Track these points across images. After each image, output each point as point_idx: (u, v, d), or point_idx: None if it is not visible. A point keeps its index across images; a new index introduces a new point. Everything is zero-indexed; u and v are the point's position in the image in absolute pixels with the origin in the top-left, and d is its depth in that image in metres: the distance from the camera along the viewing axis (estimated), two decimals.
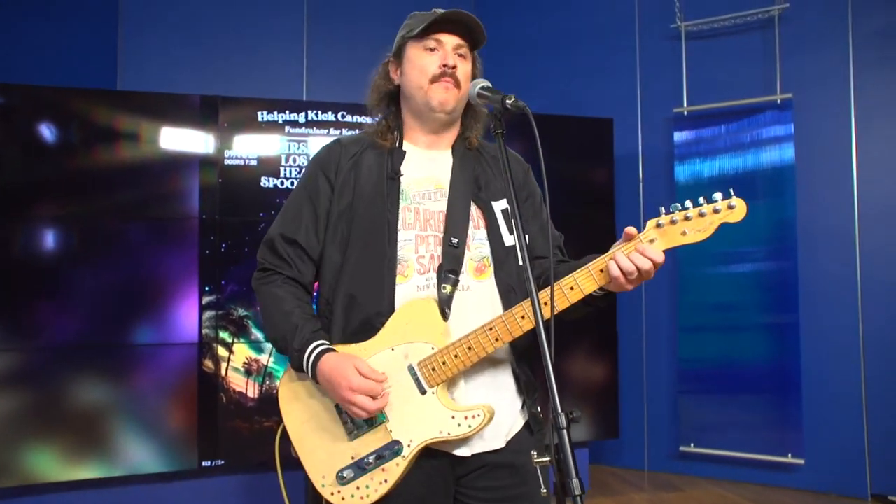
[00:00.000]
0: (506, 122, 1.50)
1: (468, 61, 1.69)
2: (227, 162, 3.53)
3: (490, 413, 1.53)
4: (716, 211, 1.43)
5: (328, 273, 1.68)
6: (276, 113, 3.61)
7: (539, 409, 1.70)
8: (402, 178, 1.68)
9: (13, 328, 3.29)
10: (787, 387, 3.98)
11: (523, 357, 1.68)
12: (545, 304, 1.45)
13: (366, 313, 1.60)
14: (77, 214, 3.38)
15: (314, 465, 1.61)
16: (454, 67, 1.65)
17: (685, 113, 4.30)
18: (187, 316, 3.47)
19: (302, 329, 1.59)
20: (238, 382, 3.52)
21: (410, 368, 1.56)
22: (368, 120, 3.66)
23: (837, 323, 3.92)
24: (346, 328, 1.63)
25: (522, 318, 1.50)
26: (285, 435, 1.68)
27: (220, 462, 3.47)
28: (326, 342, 1.59)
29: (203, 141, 3.52)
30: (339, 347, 1.60)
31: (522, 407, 1.68)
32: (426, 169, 1.71)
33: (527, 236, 1.61)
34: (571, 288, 1.50)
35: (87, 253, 3.40)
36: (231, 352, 3.52)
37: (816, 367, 3.94)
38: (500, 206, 1.70)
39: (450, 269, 1.60)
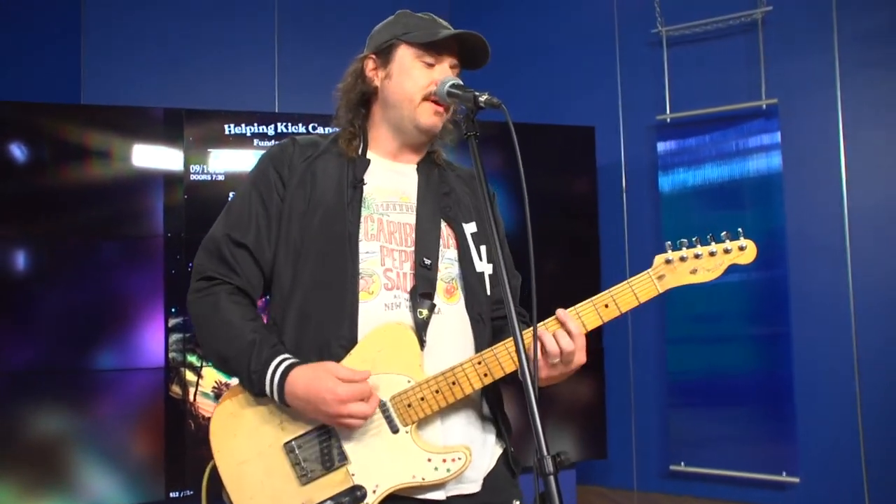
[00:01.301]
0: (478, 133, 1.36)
1: None
2: (192, 177, 3.38)
3: (470, 455, 1.38)
4: (726, 251, 1.43)
5: (277, 288, 1.49)
6: (243, 126, 3.47)
7: (512, 449, 1.55)
8: (364, 188, 1.50)
9: None
10: (779, 400, 3.86)
11: (493, 390, 1.53)
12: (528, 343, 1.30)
13: (323, 336, 1.41)
14: (35, 234, 3.24)
15: None
16: None
17: (668, 120, 4.20)
18: (153, 339, 3.31)
19: (259, 346, 1.39)
20: (207, 408, 3.35)
21: (382, 404, 1.38)
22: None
23: (830, 333, 3.81)
24: (297, 352, 1.41)
25: (515, 352, 1.33)
26: (216, 476, 1.44)
27: (188, 492, 3.30)
28: (290, 356, 1.39)
29: (167, 156, 3.37)
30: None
31: (496, 443, 1.53)
32: (391, 180, 1.56)
33: (502, 267, 1.42)
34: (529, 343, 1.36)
35: (45, 273, 3.25)
36: (200, 376, 3.35)
37: (810, 379, 3.83)
38: (469, 228, 1.56)
39: (424, 291, 1.44)
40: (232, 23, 4.41)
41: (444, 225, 1.54)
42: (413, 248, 1.48)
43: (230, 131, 3.45)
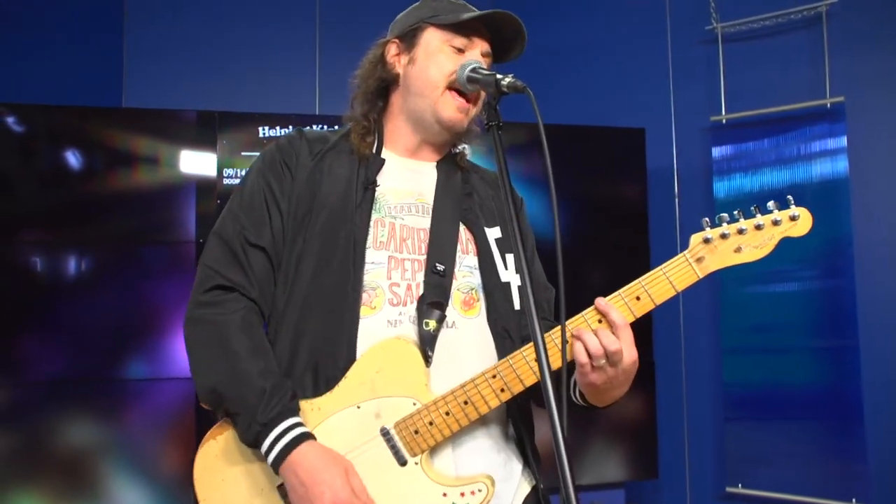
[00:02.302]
0: (505, 140, 1.19)
1: None
2: (226, 182, 3.29)
3: (492, 485, 1.21)
4: (775, 223, 1.22)
5: (274, 299, 1.32)
6: (278, 128, 3.38)
7: (542, 486, 1.35)
8: (377, 189, 1.34)
9: None
10: (847, 417, 3.59)
11: (520, 410, 1.35)
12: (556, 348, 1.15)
13: (317, 356, 1.26)
14: (65, 240, 3.18)
15: None
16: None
17: (724, 121, 3.97)
18: (184, 348, 3.22)
19: (271, 395, 1.20)
20: None
21: (385, 432, 1.23)
22: None
23: None
24: (290, 373, 1.27)
25: (536, 360, 1.15)
26: None
27: None
28: (302, 423, 1.22)
29: (200, 160, 3.29)
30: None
31: (523, 472, 1.35)
32: (407, 180, 1.40)
33: (518, 276, 1.30)
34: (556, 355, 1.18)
35: (75, 281, 3.20)
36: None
37: (881, 394, 3.55)
38: (493, 233, 1.39)
39: (433, 300, 1.28)
40: (273, 25, 4.35)
41: (463, 229, 1.38)
42: (426, 256, 1.32)
43: (264, 134, 3.36)
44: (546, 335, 1.13)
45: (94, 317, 3.17)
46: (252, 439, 1.22)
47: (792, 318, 3.78)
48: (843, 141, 3.65)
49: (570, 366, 1.21)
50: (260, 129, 3.36)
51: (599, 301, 1.22)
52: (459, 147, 1.49)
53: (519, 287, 1.36)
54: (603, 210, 3.80)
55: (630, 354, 1.19)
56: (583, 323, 1.22)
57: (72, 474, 3.09)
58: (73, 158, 3.20)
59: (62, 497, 3.07)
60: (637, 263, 3.82)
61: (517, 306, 1.37)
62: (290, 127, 3.38)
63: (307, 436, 1.21)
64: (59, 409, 3.10)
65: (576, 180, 3.72)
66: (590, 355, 1.17)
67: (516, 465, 1.35)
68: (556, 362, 1.17)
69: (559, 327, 1.12)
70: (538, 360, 0.99)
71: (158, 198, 3.25)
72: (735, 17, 3.98)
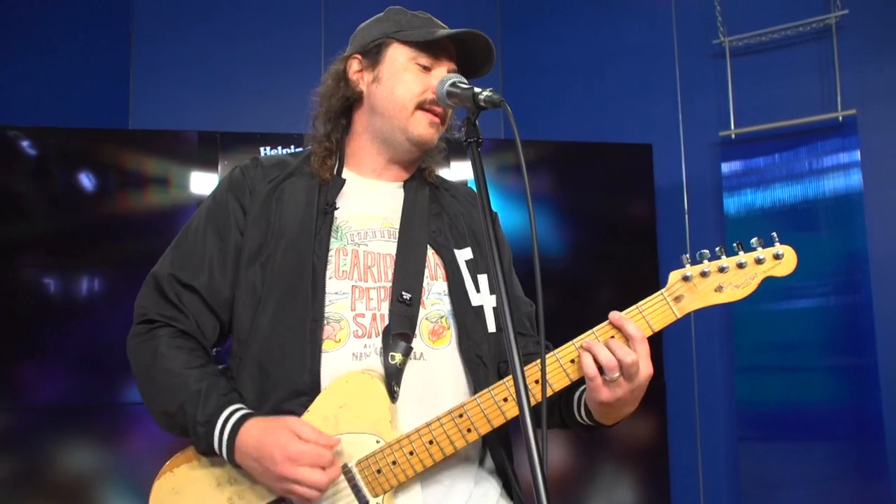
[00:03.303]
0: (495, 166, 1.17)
1: None
2: None
3: None
4: (758, 261, 1.15)
5: (234, 337, 1.28)
6: (279, 148, 3.35)
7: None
8: (337, 213, 1.29)
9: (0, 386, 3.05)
10: (866, 437, 3.50)
11: (499, 438, 1.28)
12: (535, 382, 1.10)
13: (280, 392, 1.21)
14: (67, 264, 3.16)
15: None
16: None
17: (733, 136, 3.91)
18: None
19: (207, 394, 1.20)
20: None
21: (346, 470, 1.17)
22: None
23: None
24: (255, 409, 1.23)
25: (505, 400, 1.12)
26: None
27: None
28: (244, 406, 1.21)
29: (202, 180, 3.27)
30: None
31: (505, 502, 1.28)
32: (371, 203, 1.35)
33: (493, 297, 1.25)
34: (536, 381, 1.14)
35: (75, 305, 3.17)
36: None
37: None
38: (463, 255, 1.33)
39: (399, 332, 1.22)
40: (277, 46, 4.35)
41: (431, 253, 1.32)
42: (391, 284, 1.26)
43: (265, 154, 3.34)
44: (528, 367, 1.10)
45: (98, 339, 3.15)
46: (204, 445, 1.20)
47: (807, 335, 3.70)
48: (857, 155, 3.59)
49: (576, 385, 1.17)
50: (262, 149, 3.33)
51: (613, 315, 1.17)
52: (427, 162, 1.43)
53: (494, 308, 1.31)
54: (611, 227, 3.75)
55: (646, 367, 1.15)
56: (593, 336, 1.17)
57: (73, 499, 3.06)
58: (76, 179, 3.19)
59: None
60: (645, 280, 3.76)
61: (491, 328, 1.31)
62: (293, 147, 3.36)
63: (247, 416, 1.18)
64: (64, 433, 3.08)
65: (583, 197, 3.67)
66: (601, 369, 1.12)
67: (494, 498, 1.29)
68: (550, 388, 1.14)
69: (549, 354, 1.09)
70: (515, 387, 0.92)
71: (160, 219, 3.23)
72: (743, 31, 3.93)
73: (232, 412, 1.19)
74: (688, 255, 1.18)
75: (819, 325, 3.68)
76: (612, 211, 3.78)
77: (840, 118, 3.62)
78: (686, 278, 1.17)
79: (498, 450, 1.31)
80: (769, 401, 3.77)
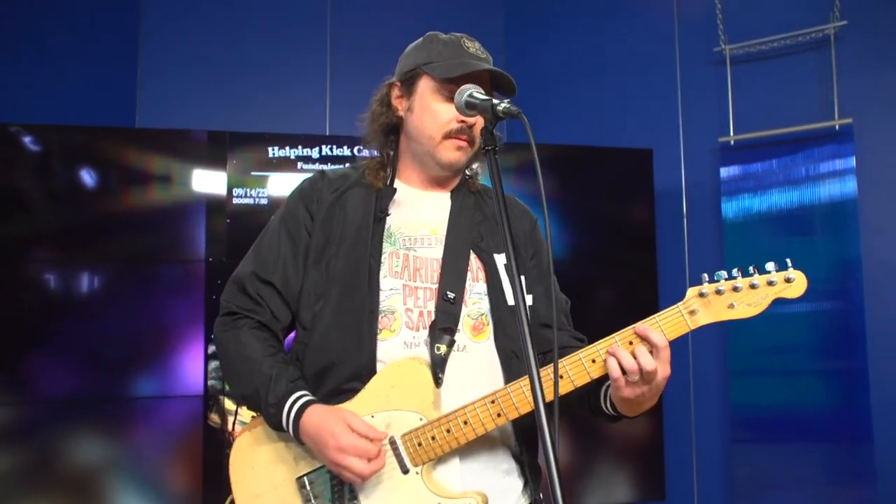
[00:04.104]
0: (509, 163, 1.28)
1: None
2: (235, 201, 3.33)
3: (483, 502, 1.34)
4: (770, 283, 1.28)
5: (300, 325, 1.49)
6: (288, 148, 3.41)
7: (541, 495, 1.47)
8: (389, 219, 1.46)
9: (7, 380, 3.10)
10: (857, 439, 3.58)
11: (527, 435, 1.45)
12: (560, 377, 1.27)
13: (341, 373, 1.41)
14: (74, 260, 3.22)
15: None
16: (472, 126, 1.45)
17: (732, 142, 3.98)
18: (192, 366, 3.25)
19: (277, 379, 1.38)
20: None
21: (392, 441, 1.36)
22: None
23: None
24: (317, 390, 1.42)
25: (561, 378, 1.30)
26: None
27: None
28: (308, 393, 1.39)
29: (211, 179, 3.33)
30: None
31: (523, 493, 1.45)
32: (420, 211, 1.51)
33: (531, 297, 1.44)
34: (561, 376, 1.29)
35: (84, 299, 3.23)
36: (239, 405, 3.28)
37: (891, 418, 3.52)
38: (502, 259, 1.50)
39: (444, 326, 1.39)
40: (285, 47, 4.39)
41: (473, 257, 1.47)
42: (437, 285, 1.44)
43: (274, 154, 3.40)
44: (561, 360, 1.27)
45: (105, 334, 3.20)
46: (274, 422, 1.39)
47: (800, 339, 3.76)
48: (852, 162, 3.65)
49: (600, 381, 1.34)
50: (270, 149, 3.39)
51: (638, 327, 1.30)
52: (470, 172, 1.59)
53: (530, 307, 1.43)
54: (611, 230, 3.81)
55: (664, 371, 1.29)
56: (614, 342, 1.31)
57: (81, 491, 3.11)
58: (85, 177, 3.24)
59: None
60: (645, 284, 3.83)
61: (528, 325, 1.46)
62: (300, 147, 3.42)
63: (310, 402, 1.36)
64: (69, 426, 3.13)
65: (584, 201, 3.73)
66: (624, 371, 1.26)
67: (517, 481, 1.46)
68: (566, 387, 1.30)
69: (572, 354, 1.28)
70: (532, 389, 1.05)
71: (169, 217, 3.28)
72: (743, 39, 4.00)
73: (297, 398, 1.36)
74: (706, 275, 1.29)
75: (812, 329, 3.74)
76: (612, 214, 3.84)
77: (837, 126, 3.69)
78: (702, 294, 1.30)
79: (521, 442, 1.47)
80: (763, 404, 3.84)
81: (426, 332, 1.40)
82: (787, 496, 3.75)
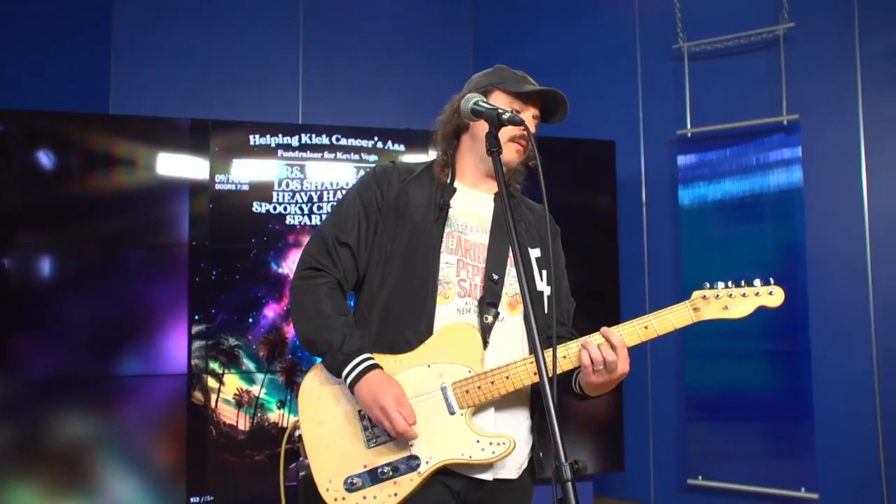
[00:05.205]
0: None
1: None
2: (218, 187, 3.44)
3: (513, 444, 1.58)
4: (756, 294, 1.68)
5: (367, 284, 1.72)
6: (268, 136, 3.53)
7: (542, 453, 1.76)
8: (449, 210, 1.73)
9: None
10: (798, 416, 3.83)
11: (538, 399, 1.74)
12: (563, 357, 1.61)
13: (403, 327, 1.65)
14: (61, 241, 3.30)
15: (322, 468, 1.62)
16: (529, 137, 1.70)
17: (689, 135, 4.20)
18: (176, 346, 3.36)
19: (351, 336, 1.61)
20: (228, 415, 3.40)
21: (443, 388, 1.60)
22: (365, 143, 3.61)
23: (850, 350, 3.77)
24: (380, 338, 1.66)
25: (564, 357, 1.60)
26: (291, 436, 1.79)
27: (209, 498, 3.34)
28: (373, 357, 1.62)
29: (193, 165, 3.43)
30: (374, 356, 1.63)
31: (530, 449, 1.74)
32: (472, 205, 1.77)
33: (549, 288, 1.75)
34: (564, 357, 1.61)
35: (70, 281, 3.32)
36: (221, 383, 3.40)
37: (829, 395, 3.79)
38: (534, 253, 1.78)
39: (490, 301, 1.66)
40: (257, 36, 4.47)
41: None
42: (484, 265, 1.70)
43: (255, 142, 3.51)
44: (562, 346, 1.62)
45: (90, 315, 3.30)
46: (337, 367, 1.61)
47: (750, 324, 3.85)
48: (798, 153, 3.89)
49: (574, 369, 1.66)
50: (251, 136, 3.50)
51: (604, 329, 1.60)
52: (511, 182, 1.84)
53: (548, 297, 1.76)
54: (575, 217, 3.92)
55: (623, 367, 1.58)
56: (590, 339, 1.62)
57: (67, 468, 3.20)
58: (71, 162, 3.31)
59: (58, 490, 3.18)
60: (606, 270, 4.02)
61: (546, 311, 1.77)
62: (280, 135, 3.54)
63: (375, 365, 1.60)
64: (55, 405, 3.22)
65: (549, 190, 3.85)
66: (592, 361, 1.56)
67: (529, 436, 1.74)
68: (567, 365, 1.62)
69: (572, 341, 1.62)
70: (537, 364, 1.32)
71: (154, 201, 3.38)
72: (701, 37, 4.21)
73: (366, 358, 1.60)
74: (708, 283, 1.66)
75: (762, 314, 3.95)
76: (576, 203, 4.03)
77: (785, 122, 3.93)
78: (704, 297, 1.66)
79: (536, 407, 1.76)
80: (715, 384, 4.08)
81: (474, 302, 1.66)
82: (735, 469, 4.00)
